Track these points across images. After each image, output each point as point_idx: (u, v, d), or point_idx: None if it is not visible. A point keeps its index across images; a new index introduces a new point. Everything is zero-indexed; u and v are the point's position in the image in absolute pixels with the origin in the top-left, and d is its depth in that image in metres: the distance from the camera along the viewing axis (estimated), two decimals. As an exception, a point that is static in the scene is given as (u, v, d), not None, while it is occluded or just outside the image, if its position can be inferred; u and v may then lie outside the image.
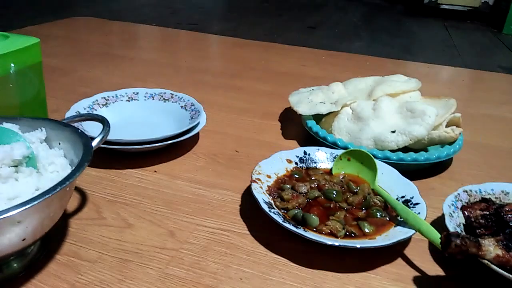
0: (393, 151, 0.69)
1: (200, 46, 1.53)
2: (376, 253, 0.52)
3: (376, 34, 1.80)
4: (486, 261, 0.46)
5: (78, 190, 0.61)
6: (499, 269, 0.45)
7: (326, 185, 0.61)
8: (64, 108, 0.75)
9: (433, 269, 0.51)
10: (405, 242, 0.54)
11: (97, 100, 0.80)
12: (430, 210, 0.56)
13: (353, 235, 0.52)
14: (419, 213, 0.54)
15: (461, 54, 1.61)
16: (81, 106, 0.77)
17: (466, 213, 0.55)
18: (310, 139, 0.78)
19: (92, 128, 0.67)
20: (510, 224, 0.51)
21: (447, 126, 0.73)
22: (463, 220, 0.55)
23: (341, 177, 0.64)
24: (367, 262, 0.51)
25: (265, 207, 0.53)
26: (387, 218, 0.55)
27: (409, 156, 0.67)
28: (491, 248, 0.46)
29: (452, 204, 0.56)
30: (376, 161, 0.64)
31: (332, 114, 0.80)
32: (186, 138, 0.70)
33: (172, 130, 0.71)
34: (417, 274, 0.50)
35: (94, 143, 0.50)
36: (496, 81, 1.34)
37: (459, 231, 0.52)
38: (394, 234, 0.51)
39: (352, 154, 0.66)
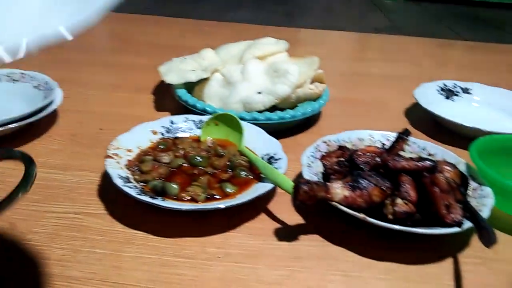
0: (261, 112, 0.69)
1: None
2: (239, 212, 0.51)
3: (260, 2, 1.81)
4: (335, 203, 0.47)
5: None
6: (347, 209, 0.47)
7: (192, 152, 0.59)
8: None
9: (295, 219, 0.52)
10: (269, 198, 0.55)
11: None
12: (297, 164, 0.57)
13: (217, 197, 0.52)
14: (280, 168, 0.55)
15: (337, 17, 1.69)
16: None
17: (324, 162, 0.57)
18: (185, 109, 0.75)
19: None
20: (361, 166, 0.54)
21: (312, 83, 0.75)
22: (321, 169, 0.57)
23: (209, 142, 0.63)
24: (230, 222, 0.50)
25: (118, 181, 0.49)
26: (251, 177, 0.56)
27: (276, 115, 0.68)
28: (338, 190, 0.47)
29: (312, 155, 0.58)
30: (243, 123, 0.64)
31: (205, 82, 0.78)
32: (38, 119, 0.63)
33: (22, 113, 0.63)
34: (278, 226, 0.51)
35: None
36: (368, 42, 1.43)
37: (317, 179, 0.54)
38: (254, 191, 0.52)
39: (220, 118, 0.65)
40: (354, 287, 0.43)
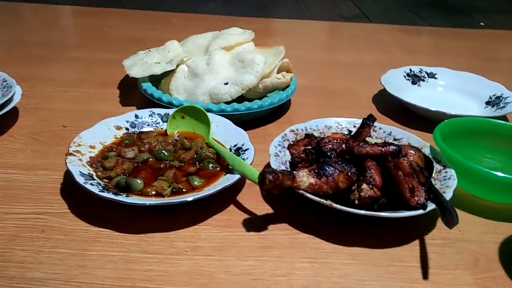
0: (228, 103, 0.69)
1: (31, 18, 1.35)
2: (207, 205, 0.51)
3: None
4: (301, 191, 0.48)
5: None
6: (313, 196, 0.47)
7: (158, 147, 0.58)
8: None
9: (264, 209, 0.52)
10: (238, 189, 0.54)
11: None
12: (266, 154, 0.56)
13: (184, 191, 0.51)
14: (247, 158, 0.54)
15: (308, 8, 1.68)
16: None
17: (291, 151, 0.57)
18: (151, 103, 0.73)
19: None
20: (328, 153, 0.54)
21: (279, 72, 0.75)
22: (289, 158, 0.57)
23: (176, 136, 0.62)
24: (198, 215, 0.50)
25: (80, 179, 0.48)
26: (218, 169, 0.55)
27: (243, 106, 0.68)
28: (304, 178, 0.47)
29: (279, 145, 0.58)
30: (210, 114, 0.63)
31: (171, 74, 0.76)
32: (-5, 119, 0.61)
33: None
34: (247, 216, 0.50)
35: None
36: (337, 30, 1.43)
37: (285, 168, 0.54)
38: (222, 182, 0.51)
39: (186, 111, 0.64)
40: (321, 274, 0.43)
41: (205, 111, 0.63)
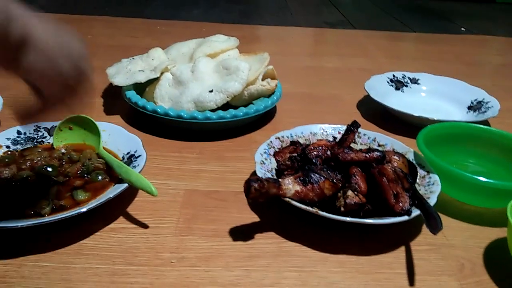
0: (214, 110, 0.68)
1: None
2: (194, 216, 0.50)
3: (215, 1, 1.79)
4: (287, 199, 0.47)
5: None
6: (299, 204, 0.47)
7: (40, 163, 0.55)
8: None
9: (250, 218, 0.52)
10: (224, 198, 0.54)
11: None
12: (252, 162, 0.55)
13: (67, 206, 0.48)
14: (138, 165, 0.52)
15: (293, 14, 1.69)
16: None
17: (277, 158, 0.57)
18: (136, 112, 0.72)
19: None
20: (313, 160, 0.54)
21: (264, 79, 0.75)
22: (275, 165, 0.57)
23: (63, 149, 0.59)
24: (184, 225, 0.49)
25: None
26: (107, 180, 0.53)
27: (229, 114, 0.67)
28: (290, 186, 0.47)
29: (265, 152, 0.58)
30: (102, 123, 0.60)
31: (155, 82, 0.76)
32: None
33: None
34: (234, 225, 0.50)
35: None
36: (322, 37, 1.45)
37: (271, 176, 0.54)
38: (108, 194, 0.49)
39: (74, 121, 0.60)
40: (308, 282, 0.43)
41: (93, 121, 0.60)
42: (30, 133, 0.60)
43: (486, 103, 0.80)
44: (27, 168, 0.54)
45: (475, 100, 0.83)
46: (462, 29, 1.61)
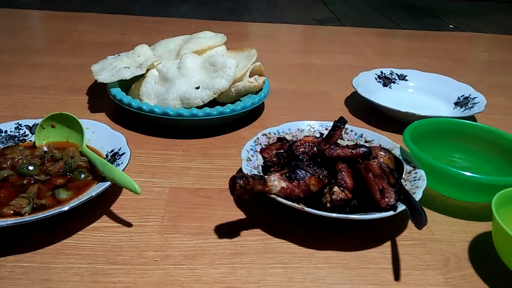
0: (200, 107, 0.68)
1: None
2: (179, 213, 0.50)
3: (203, -3, 1.78)
4: (273, 196, 0.47)
5: None
6: (285, 201, 0.47)
7: (21, 161, 0.54)
8: None
9: (236, 215, 0.51)
10: (209, 195, 0.53)
11: None
12: (239, 159, 0.55)
13: (48, 205, 0.47)
14: (122, 163, 0.52)
15: (282, 11, 1.69)
16: None
17: (263, 155, 0.56)
18: (121, 109, 0.71)
19: None
20: (300, 157, 0.54)
21: (251, 76, 0.74)
22: (262, 162, 0.56)
23: (45, 147, 0.58)
24: (169, 223, 0.49)
25: None
26: (90, 178, 0.52)
27: (215, 110, 0.67)
28: (276, 182, 0.47)
29: (252, 149, 0.57)
30: (85, 120, 0.59)
31: (141, 79, 0.75)
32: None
33: None
34: (219, 223, 0.50)
35: None
36: (311, 34, 1.44)
37: (257, 173, 0.53)
38: (90, 193, 0.48)
39: (57, 119, 0.59)
40: (294, 279, 0.43)
41: (77, 118, 0.59)
42: (11, 131, 0.59)
43: (473, 99, 0.81)
44: (7, 167, 0.53)
45: (462, 96, 0.83)
46: (450, 26, 1.62)
